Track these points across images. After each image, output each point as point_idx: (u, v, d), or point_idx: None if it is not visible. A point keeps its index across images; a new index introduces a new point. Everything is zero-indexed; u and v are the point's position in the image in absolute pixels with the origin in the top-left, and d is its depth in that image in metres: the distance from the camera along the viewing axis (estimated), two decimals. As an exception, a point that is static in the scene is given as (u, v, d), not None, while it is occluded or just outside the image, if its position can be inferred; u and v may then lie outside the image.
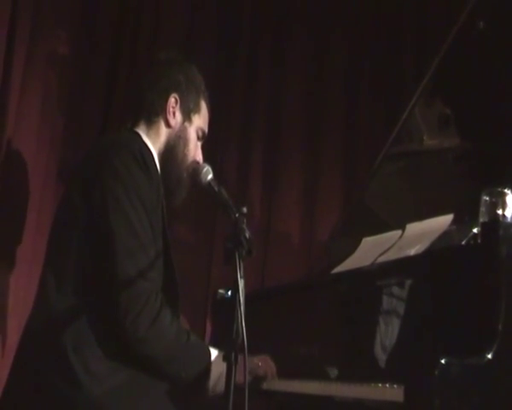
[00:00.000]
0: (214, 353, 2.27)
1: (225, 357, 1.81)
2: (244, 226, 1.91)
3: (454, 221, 2.42)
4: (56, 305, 2.13)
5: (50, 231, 2.36)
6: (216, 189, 2.20)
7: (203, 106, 2.56)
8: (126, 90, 3.44)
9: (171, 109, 2.46)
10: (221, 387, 2.12)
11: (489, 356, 1.81)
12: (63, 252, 2.20)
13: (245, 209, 1.97)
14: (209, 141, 2.58)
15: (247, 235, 1.89)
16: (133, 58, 3.53)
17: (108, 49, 3.48)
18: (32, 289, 2.33)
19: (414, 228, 2.58)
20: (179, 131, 2.48)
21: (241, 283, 1.82)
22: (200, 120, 2.54)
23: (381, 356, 2.18)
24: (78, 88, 3.33)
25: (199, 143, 2.56)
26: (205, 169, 2.33)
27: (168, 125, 2.47)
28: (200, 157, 2.54)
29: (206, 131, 2.59)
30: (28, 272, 2.92)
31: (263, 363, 2.42)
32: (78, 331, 2.08)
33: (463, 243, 2.17)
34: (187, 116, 2.50)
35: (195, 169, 2.36)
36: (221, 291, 3.02)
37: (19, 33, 2.97)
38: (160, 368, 2.17)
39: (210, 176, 2.31)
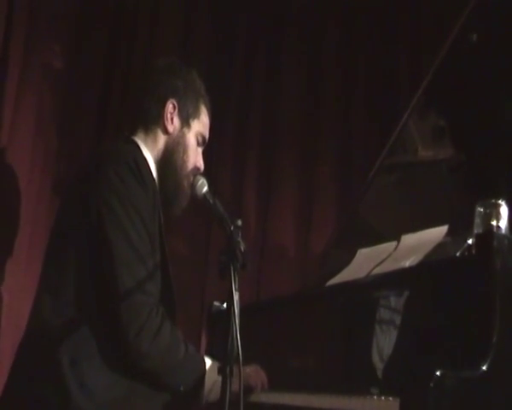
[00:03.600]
0: (208, 362, 2.27)
1: (220, 370, 1.81)
2: (239, 239, 1.90)
3: (448, 232, 2.42)
4: (52, 320, 2.11)
5: (47, 246, 2.34)
6: (211, 201, 2.19)
7: (203, 110, 2.51)
8: (121, 103, 3.45)
9: (168, 115, 2.42)
10: (214, 395, 2.17)
11: (484, 368, 1.81)
12: (59, 267, 2.19)
13: (240, 222, 1.96)
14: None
15: (242, 248, 1.88)
16: (128, 71, 3.53)
17: (103, 62, 3.48)
18: (27, 301, 2.33)
19: (409, 239, 2.58)
20: (178, 137, 2.43)
21: (236, 295, 1.81)
22: (199, 125, 2.49)
23: (376, 368, 2.17)
24: (73, 101, 3.34)
25: (199, 149, 2.51)
26: (200, 182, 2.32)
27: (166, 131, 2.42)
28: (200, 163, 2.50)
29: (207, 136, 2.54)
30: (22, 284, 2.91)
31: (253, 373, 2.41)
32: (76, 346, 2.06)
33: (458, 254, 2.17)
34: (185, 122, 2.45)
35: (191, 181, 2.36)
36: (216, 304, 3.02)
37: (13, 46, 2.98)
38: (160, 382, 2.18)
39: (205, 188, 2.30)
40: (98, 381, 2.05)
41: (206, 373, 2.23)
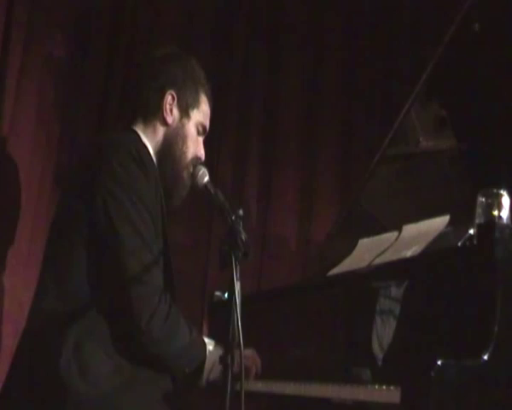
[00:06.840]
0: (209, 343, 2.30)
1: (221, 359, 1.82)
2: (240, 229, 1.91)
3: (450, 222, 2.42)
4: (56, 307, 2.12)
5: (49, 236, 2.35)
6: (212, 191, 2.20)
7: (203, 100, 2.49)
8: (122, 94, 3.44)
9: (167, 107, 2.41)
10: (214, 375, 2.24)
11: (485, 357, 1.81)
12: (63, 256, 2.20)
13: (241, 212, 1.97)
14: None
15: (244, 237, 1.89)
16: (129, 61, 3.52)
17: (104, 53, 3.47)
18: (28, 293, 2.33)
19: (410, 229, 2.58)
20: (177, 128, 2.43)
21: (237, 285, 1.82)
22: (199, 115, 2.48)
23: (378, 358, 2.18)
24: (74, 92, 3.33)
25: (200, 139, 2.50)
26: (201, 172, 2.33)
27: (165, 123, 2.41)
28: (201, 152, 2.49)
29: (208, 125, 2.53)
30: (24, 276, 2.91)
31: (250, 355, 2.41)
32: (80, 333, 2.07)
33: (459, 244, 2.18)
34: (185, 112, 2.44)
35: (192, 171, 2.36)
36: (217, 293, 3.03)
37: (14, 37, 2.97)
38: (167, 366, 2.21)
39: (206, 178, 2.30)
40: (101, 367, 2.07)
41: (207, 355, 2.26)
